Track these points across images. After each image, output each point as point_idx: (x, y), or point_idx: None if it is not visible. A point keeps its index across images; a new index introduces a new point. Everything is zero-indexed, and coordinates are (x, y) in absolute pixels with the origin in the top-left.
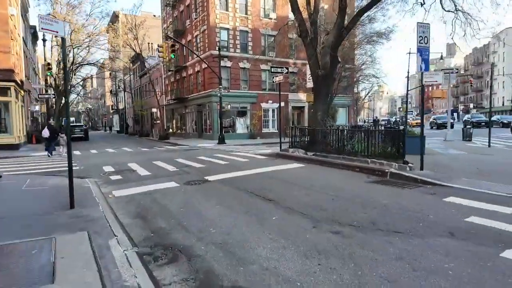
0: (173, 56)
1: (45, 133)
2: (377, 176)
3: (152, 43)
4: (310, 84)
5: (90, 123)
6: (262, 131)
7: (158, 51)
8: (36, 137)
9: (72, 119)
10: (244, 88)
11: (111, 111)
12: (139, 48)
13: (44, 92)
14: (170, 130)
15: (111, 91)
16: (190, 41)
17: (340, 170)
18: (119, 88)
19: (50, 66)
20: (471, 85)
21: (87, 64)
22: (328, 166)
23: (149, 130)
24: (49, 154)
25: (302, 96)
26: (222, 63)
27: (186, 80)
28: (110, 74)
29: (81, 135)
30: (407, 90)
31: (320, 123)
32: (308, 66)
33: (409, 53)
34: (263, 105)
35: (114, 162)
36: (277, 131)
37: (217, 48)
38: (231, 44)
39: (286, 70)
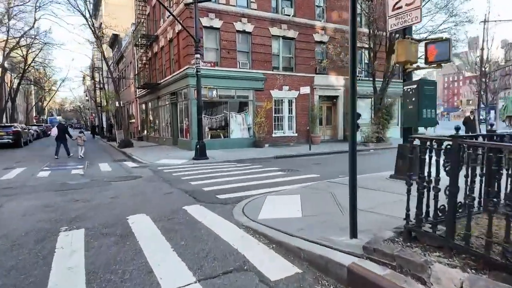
0: None
1: (54, 132)
2: None
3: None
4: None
5: (85, 124)
6: (273, 135)
7: None
8: None
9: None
10: (244, 65)
11: (98, 109)
12: (89, 12)
13: None
14: (145, 132)
15: (95, 85)
16: None
17: None
18: (92, 79)
19: None
20: None
21: None
22: None
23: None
24: (56, 156)
25: (335, 79)
26: (207, 23)
27: (158, 57)
28: (93, 66)
29: (7, 140)
30: (482, 72)
31: None
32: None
33: (485, 21)
34: (274, 93)
35: None
36: (295, 134)
37: None
38: None
39: None
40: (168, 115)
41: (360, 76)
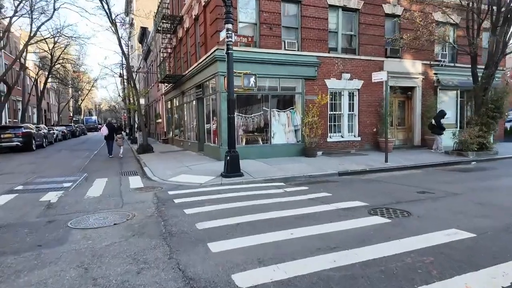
0: None
1: (104, 131)
2: None
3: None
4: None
5: (122, 125)
6: (328, 140)
7: None
8: None
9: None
10: (291, 45)
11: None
12: None
13: None
14: (170, 134)
15: (123, 83)
16: None
17: None
18: (121, 76)
19: None
20: None
21: None
22: None
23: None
24: (110, 155)
25: (411, 64)
26: None
27: (183, 43)
28: (122, 63)
29: (16, 143)
30: None
31: None
32: None
33: None
34: (331, 83)
35: None
36: (358, 138)
37: None
38: None
39: None
40: (194, 114)
41: (444, 62)
